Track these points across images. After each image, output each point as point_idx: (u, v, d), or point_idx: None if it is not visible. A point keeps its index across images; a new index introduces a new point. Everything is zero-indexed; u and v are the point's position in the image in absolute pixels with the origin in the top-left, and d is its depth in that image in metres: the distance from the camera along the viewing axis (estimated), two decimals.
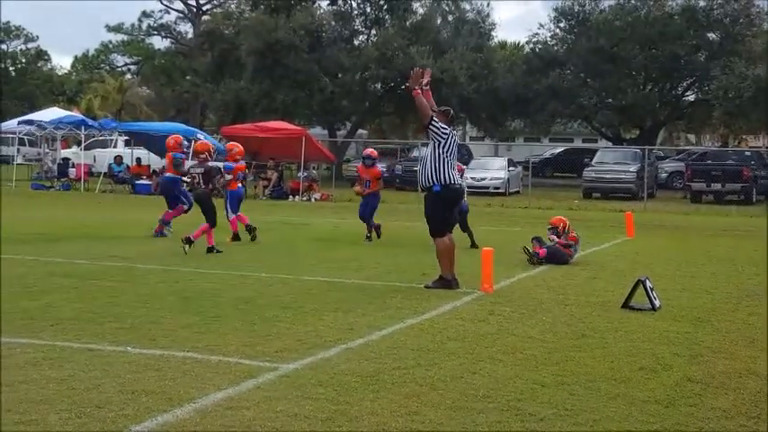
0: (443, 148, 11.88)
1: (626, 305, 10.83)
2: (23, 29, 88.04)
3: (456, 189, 12.12)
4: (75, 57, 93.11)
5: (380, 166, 19.41)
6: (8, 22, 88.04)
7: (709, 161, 41.04)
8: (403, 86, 50.10)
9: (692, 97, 53.19)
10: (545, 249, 15.24)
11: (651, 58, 47.82)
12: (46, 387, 6.55)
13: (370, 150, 19.30)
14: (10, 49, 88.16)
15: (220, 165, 16.70)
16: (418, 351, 8.11)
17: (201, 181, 16.00)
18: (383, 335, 8.83)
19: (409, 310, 10.30)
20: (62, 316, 9.33)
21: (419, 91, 11.98)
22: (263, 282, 12.31)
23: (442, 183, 11.85)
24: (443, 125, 11.99)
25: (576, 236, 15.68)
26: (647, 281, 10.93)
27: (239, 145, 18.44)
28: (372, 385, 6.87)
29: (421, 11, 52.76)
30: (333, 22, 50.85)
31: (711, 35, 49.10)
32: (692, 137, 73.37)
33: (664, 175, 46.34)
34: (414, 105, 12.22)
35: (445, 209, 12.08)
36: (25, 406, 6.07)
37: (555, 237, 15.58)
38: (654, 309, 10.65)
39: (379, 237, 18.55)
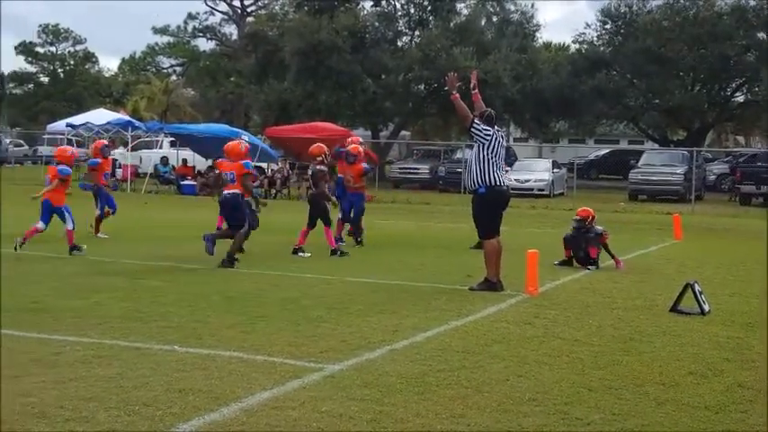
0: (488, 149, 11.82)
1: (674, 309, 10.71)
2: (72, 31, 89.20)
3: (502, 191, 12.03)
4: (122, 59, 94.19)
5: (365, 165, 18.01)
6: (57, 24, 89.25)
7: (759, 163, 40.53)
8: (446, 87, 50.05)
9: (741, 98, 52.56)
10: (594, 248, 15.00)
11: (699, 59, 47.29)
12: (95, 385, 6.61)
13: (353, 147, 17.81)
14: (59, 52, 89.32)
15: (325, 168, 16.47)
16: (463, 353, 8.08)
17: (312, 184, 16.21)
18: (428, 336, 8.81)
19: (454, 312, 10.27)
20: (110, 314, 9.42)
21: (457, 95, 11.94)
22: (307, 282, 12.34)
23: (488, 184, 11.80)
24: (486, 126, 11.91)
25: (606, 234, 15.22)
26: (696, 284, 10.80)
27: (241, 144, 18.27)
28: (417, 387, 6.85)
29: (465, 12, 52.67)
30: (376, 23, 50.90)
31: (762, 35, 48.43)
32: (741, 138, 72.55)
33: (712, 177, 45.86)
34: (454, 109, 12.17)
35: (492, 211, 12.00)
36: (75, 403, 6.13)
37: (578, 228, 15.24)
38: (703, 313, 10.53)
39: (360, 243, 17.48)
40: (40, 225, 14.88)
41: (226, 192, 14.30)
